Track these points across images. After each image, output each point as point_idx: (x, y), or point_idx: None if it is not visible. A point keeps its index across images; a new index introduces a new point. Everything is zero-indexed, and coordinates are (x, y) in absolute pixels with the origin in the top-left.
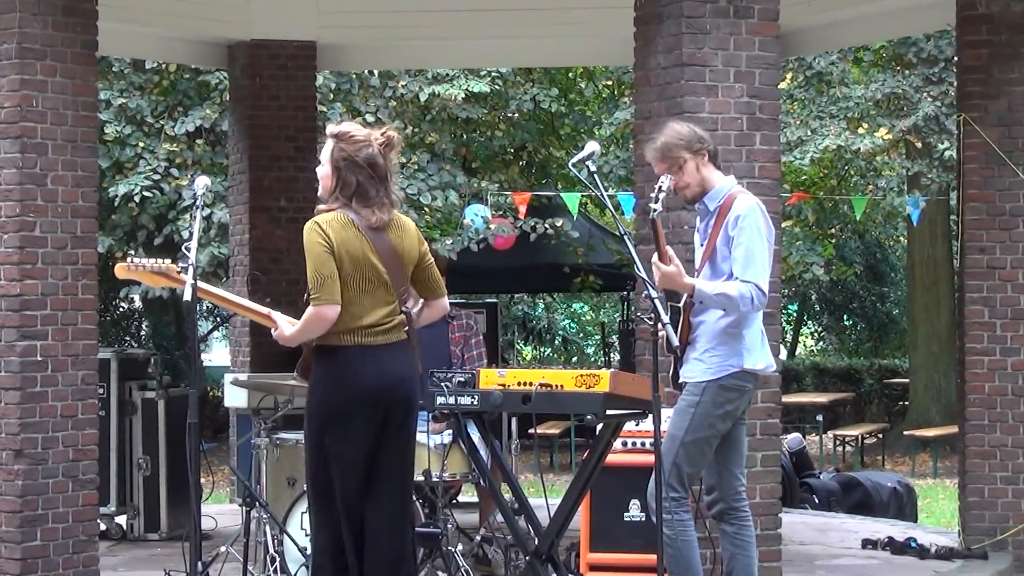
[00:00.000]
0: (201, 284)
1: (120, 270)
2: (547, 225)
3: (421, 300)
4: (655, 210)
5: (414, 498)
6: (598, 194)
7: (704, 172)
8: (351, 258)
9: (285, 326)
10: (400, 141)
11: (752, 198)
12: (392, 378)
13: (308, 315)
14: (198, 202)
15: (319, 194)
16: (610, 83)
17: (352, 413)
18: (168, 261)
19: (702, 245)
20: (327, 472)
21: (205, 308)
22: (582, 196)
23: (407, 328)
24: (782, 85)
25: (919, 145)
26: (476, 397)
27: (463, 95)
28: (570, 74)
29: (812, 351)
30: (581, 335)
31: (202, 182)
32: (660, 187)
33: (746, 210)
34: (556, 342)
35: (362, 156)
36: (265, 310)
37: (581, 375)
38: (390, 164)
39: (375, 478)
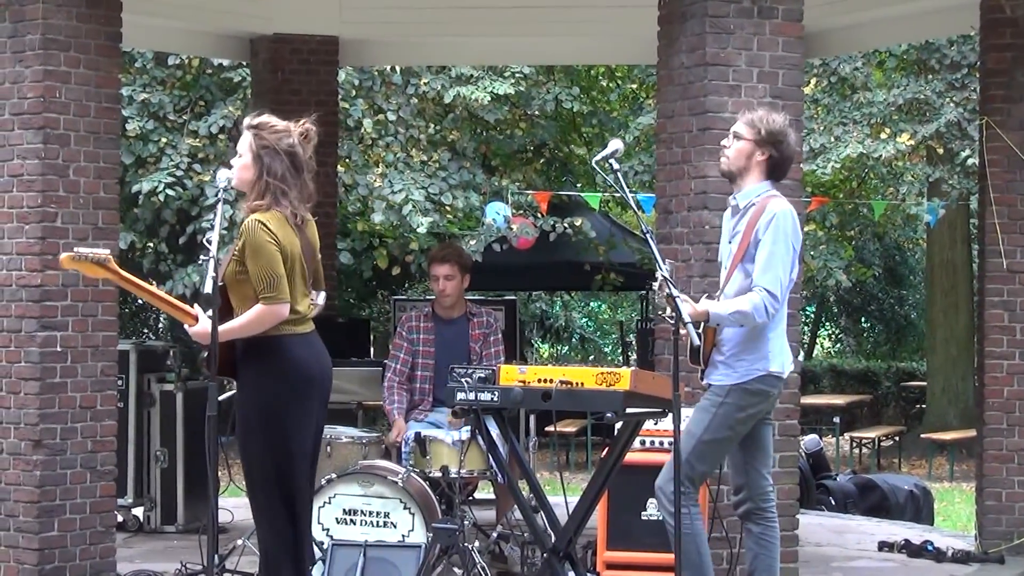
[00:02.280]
0: (123, 273)
1: (65, 260)
2: (567, 224)
3: (323, 292)
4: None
5: (432, 495)
6: (621, 191)
7: (750, 165)
8: (291, 254)
9: (205, 323)
10: (316, 136)
11: (786, 203)
12: (325, 362)
13: (259, 312)
14: (220, 195)
15: (234, 184)
16: (635, 85)
17: (304, 399)
18: (107, 252)
19: (730, 242)
20: (281, 463)
21: None
22: (603, 195)
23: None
24: (807, 90)
25: (940, 151)
26: (496, 393)
27: (489, 98)
28: (592, 71)
29: (830, 353)
30: (599, 334)
31: (224, 175)
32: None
33: (778, 214)
34: (574, 340)
35: (282, 145)
36: (185, 306)
37: (601, 373)
38: (307, 156)
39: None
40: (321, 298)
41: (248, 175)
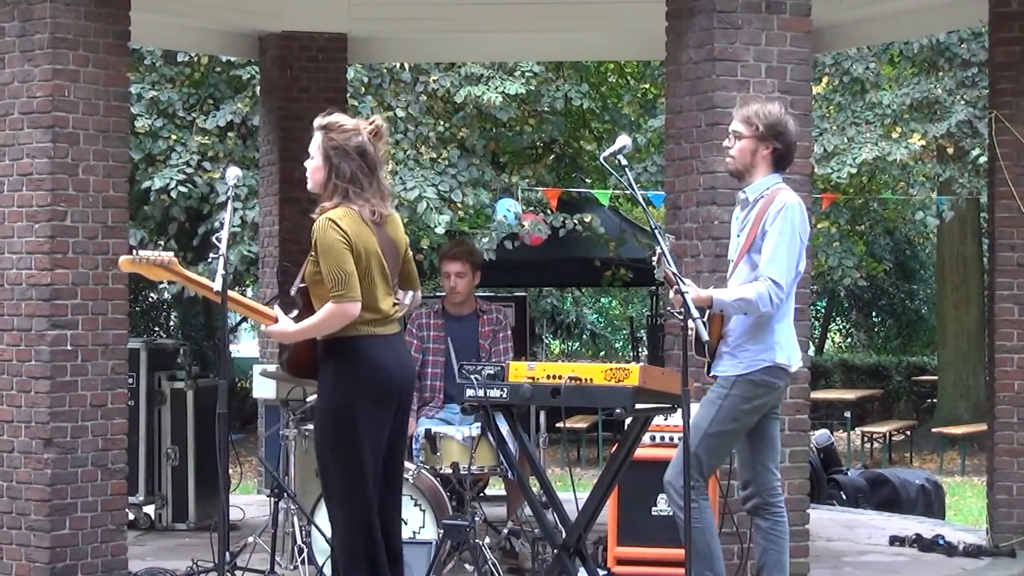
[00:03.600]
0: (193, 276)
1: (124, 263)
2: (576, 221)
3: (411, 292)
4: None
5: (443, 492)
6: (629, 187)
7: (756, 161)
8: (365, 252)
9: (287, 322)
10: (387, 130)
11: (794, 196)
12: (405, 366)
13: (330, 311)
14: (230, 192)
15: (309, 187)
16: (648, 85)
17: (379, 402)
18: (171, 254)
19: (738, 235)
20: (356, 465)
21: None
22: (613, 192)
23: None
24: (818, 89)
25: (951, 151)
26: (506, 390)
27: (500, 98)
28: (601, 67)
29: (840, 347)
30: (609, 329)
31: (233, 173)
32: (661, 250)
33: (788, 205)
34: (584, 336)
35: (352, 145)
36: (263, 307)
37: (611, 369)
38: (379, 153)
39: (389, 463)
40: (409, 298)
41: (319, 176)
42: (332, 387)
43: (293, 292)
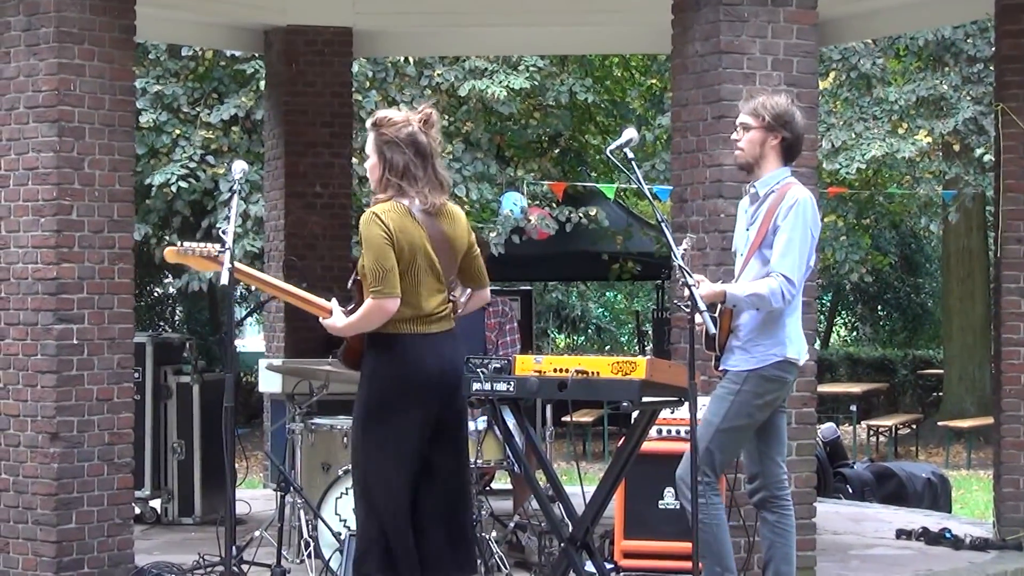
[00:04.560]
0: (254, 272)
1: (170, 254)
2: (582, 214)
3: (468, 290)
4: (684, 249)
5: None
6: (635, 180)
7: (765, 152)
8: (409, 247)
9: (339, 316)
10: (438, 119)
11: (806, 191)
12: (449, 366)
13: (368, 307)
14: (235, 186)
15: (372, 187)
16: (655, 81)
17: (413, 402)
18: (218, 247)
19: (748, 229)
20: (381, 460)
21: (240, 294)
22: (619, 185)
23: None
24: (825, 84)
25: (957, 148)
26: (512, 383)
27: (504, 93)
28: (606, 61)
29: (846, 341)
30: (615, 323)
31: (239, 166)
32: (685, 248)
33: (800, 200)
34: (589, 331)
35: (402, 136)
36: (320, 300)
37: (617, 362)
38: (433, 142)
39: (433, 467)
40: (465, 296)
41: (376, 174)
42: (369, 381)
43: (349, 285)
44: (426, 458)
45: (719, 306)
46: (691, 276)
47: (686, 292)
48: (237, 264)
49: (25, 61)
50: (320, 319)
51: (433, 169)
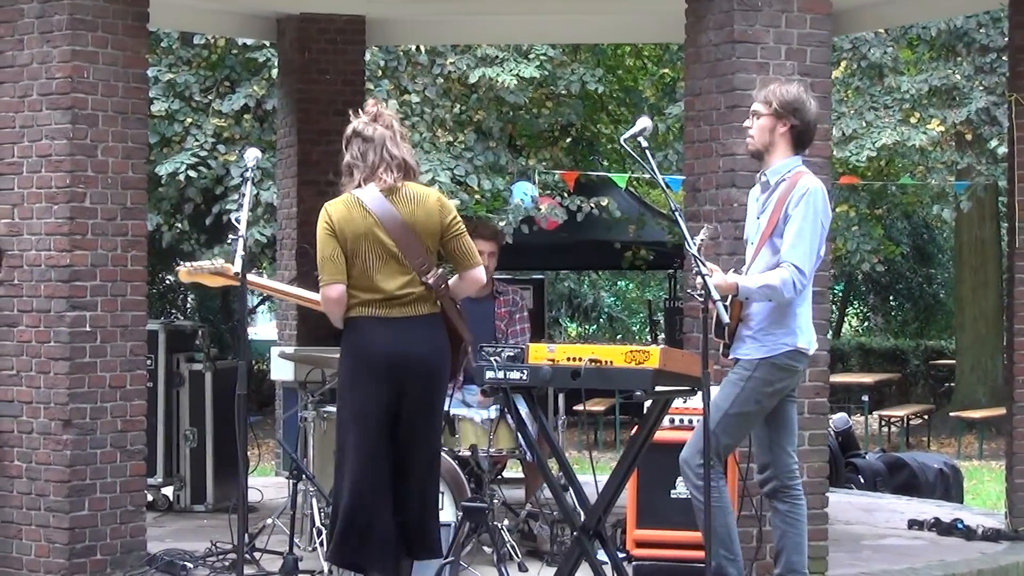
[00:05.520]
0: (253, 278)
1: (183, 274)
2: (593, 204)
3: (443, 272)
4: (696, 244)
5: (461, 474)
6: (649, 169)
7: (775, 139)
8: (353, 235)
9: (313, 301)
10: (383, 111)
11: (817, 180)
12: (407, 349)
13: (320, 294)
14: (249, 173)
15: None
16: (666, 70)
17: (367, 382)
18: (222, 261)
19: (758, 218)
20: (346, 438)
21: None
22: (630, 175)
23: (437, 301)
24: (836, 74)
25: (969, 137)
26: (525, 372)
27: (514, 81)
28: (618, 50)
29: (858, 331)
30: (626, 312)
31: (252, 154)
32: (701, 239)
33: (811, 189)
34: (601, 319)
35: (347, 134)
36: (311, 295)
37: (631, 351)
38: (385, 128)
39: (401, 448)
40: (434, 278)
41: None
42: (338, 362)
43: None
44: (395, 440)
45: (730, 297)
46: (705, 266)
47: (699, 281)
48: (251, 278)
49: (39, 48)
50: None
51: (386, 151)
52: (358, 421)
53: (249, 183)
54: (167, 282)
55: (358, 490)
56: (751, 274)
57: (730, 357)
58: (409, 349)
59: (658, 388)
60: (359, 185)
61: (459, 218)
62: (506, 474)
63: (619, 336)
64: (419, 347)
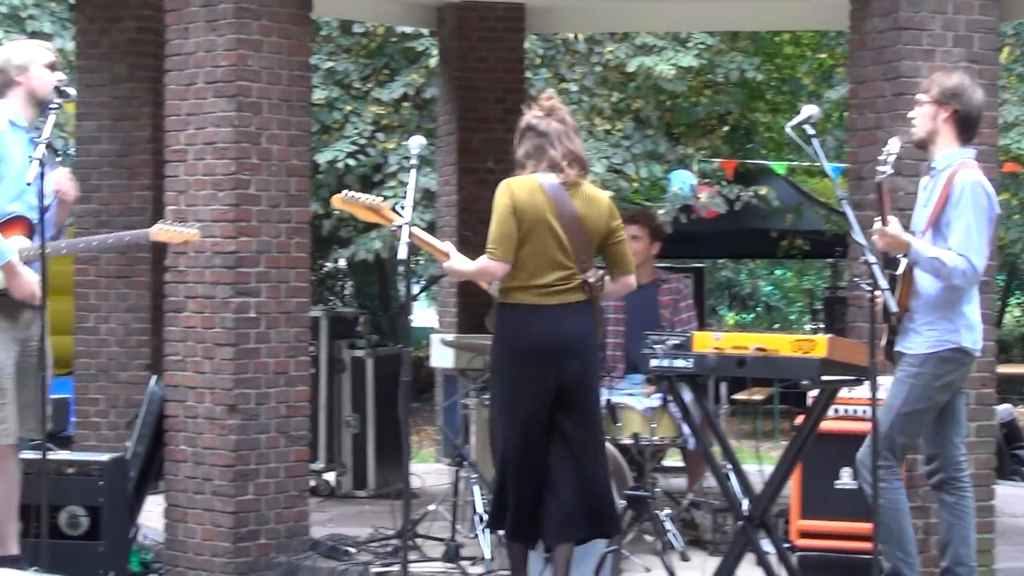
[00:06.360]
0: (391, 216)
1: (337, 200)
2: (751, 193)
3: (602, 273)
4: (883, 173)
5: (624, 463)
6: (816, 156)
7: (938, 127)
8: (531, 219)
9: (456, 260)
10: (557, 105)
11: (976, 173)
12: (562, 337)
13: (481, 263)
14: (413, 160)
15: None
16: (824, 56)
17: (522, 368)
18: (382, 199)
19: (925, 206)
20: (501, 421)
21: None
22: (789, 163)
23: (589, 295)
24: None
25: None
26: (691, 360)
27: (672, 71)
28: (777, 38)
29: (1019, 322)
30: (784, 301)
31: (417, 141)
32: (889, 151)
33: (970, 183)
34: (759, 308)
35: (521, 126)
36: (441, 244)
37: (797, 340)
38: (557, 123)
39: (561, 434)
40: (593, 276)
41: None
42: (491, 347)
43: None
44: (554, 424)
45: (897, 281)
46: (872, 254)
47: (868, 268)
48: (389, 212)
49: (204, 37)
50: (443, 262)
51: (563, 145)
52: (517, 404)
53: (414, 171)
54: (325, 269)
55: (515, 470)
56: (924, 242)
57: (895, 349)
58: (563, 333)
59: (824, 378)
60: (534, 170)
61: (623, 226)
62: (665, 463)
63: (776, 325)
64: (572, 331)
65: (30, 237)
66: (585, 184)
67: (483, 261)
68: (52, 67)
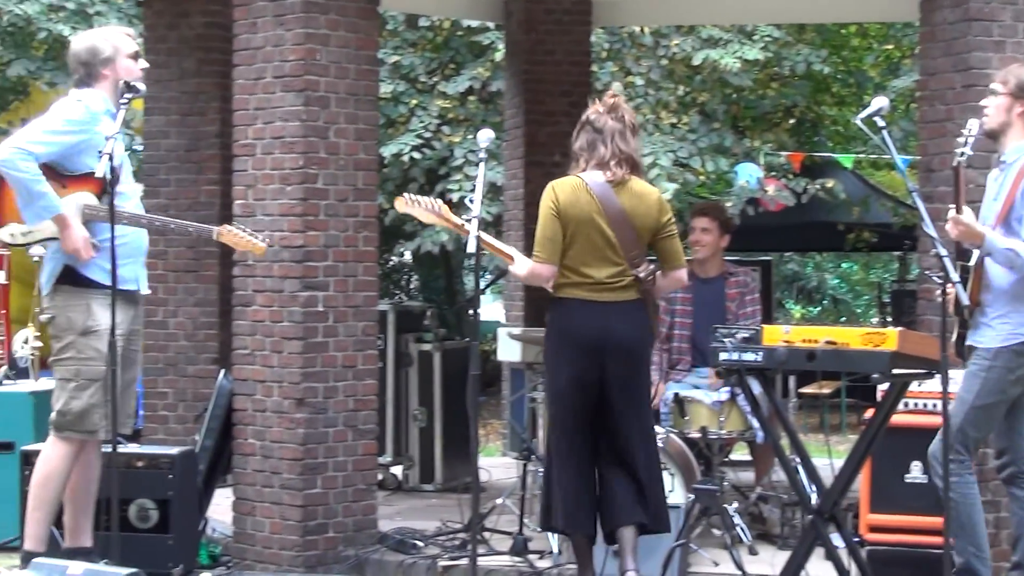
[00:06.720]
0: (451, 216)
1: (399, 202)
2: (818, 186)
3: (653, 268)
4: (962, 154)
5: (692, 456)
6: (887, 149)
7: (1011, 119)
8: (576, 219)
9: (520, 263)
10: (620, 103)
11: None
12: (610, 327)
13: (529, 267)
14: (482, 154)
15: None
16: (891, 46)
17: (569, 361)
18: (441, 202)
19: (995, 199)
20: (550, 411)
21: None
22: (856, 156)
23: (642, 291)
24: None
25: None
26: (761, 353)
27: (738, 64)
28: (844, 30)
29: None
30: (851, 295)
31: (485, 135)
32: (969, 131)
33: None
34: (825, 301)
35: (581, 119)
36: (507, 248)
37: (868, 333)
38: (615, 121)
39: (609, 426)
40: (644, 271)
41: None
42: (544, 340)
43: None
44: (602, 420)
45: (969, 274)
46: (942, 246)
47: (939, 260)
48: (448, 213)
49: (272, 31)
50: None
51: (615, 144)
52: (563, 395)
53: (483, 164)
54: (391, 262)
55: (560, 462)
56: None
57: (967, 343)
58: (612, 328)
59: (895, 371)
60: (584, 170)
61: (674, 219)
62: (732, 456)
63: (843, 318)
64: (621, 327)
65: (99, 198)
66: (634, 180)
67: (530, 264)
68: (135, 56)
